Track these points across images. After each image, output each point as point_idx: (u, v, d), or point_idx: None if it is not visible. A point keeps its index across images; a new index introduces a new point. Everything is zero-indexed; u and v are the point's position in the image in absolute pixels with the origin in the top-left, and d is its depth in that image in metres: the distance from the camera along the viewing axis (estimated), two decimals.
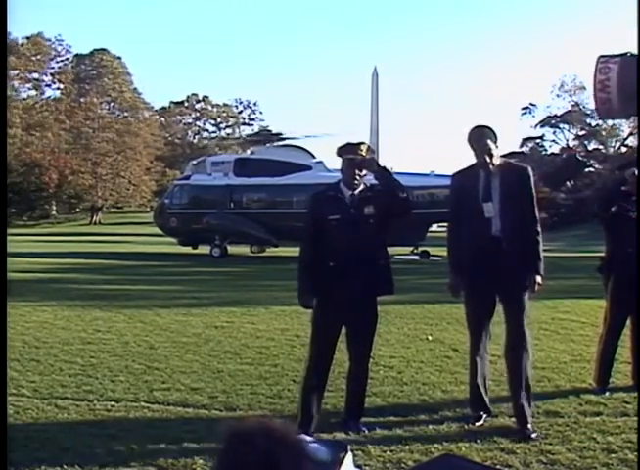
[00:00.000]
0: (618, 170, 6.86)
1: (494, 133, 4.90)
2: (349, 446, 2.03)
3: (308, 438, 1.63)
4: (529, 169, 4.99)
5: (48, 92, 64.99)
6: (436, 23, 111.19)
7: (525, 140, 62.61)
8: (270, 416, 4.83)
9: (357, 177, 4.71)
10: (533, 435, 4.51)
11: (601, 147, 61.02)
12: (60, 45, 63.46)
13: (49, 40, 62.65)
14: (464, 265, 4.90)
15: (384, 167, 4.78)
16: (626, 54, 5.52)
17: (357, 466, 1.85)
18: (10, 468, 3.72)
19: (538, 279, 4.78)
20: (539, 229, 4.86)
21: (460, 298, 5.04)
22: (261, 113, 76.93)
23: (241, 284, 14.88)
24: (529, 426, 4.60)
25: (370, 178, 4.80)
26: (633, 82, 5.17)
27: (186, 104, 76.78)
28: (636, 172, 5.56)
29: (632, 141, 53.93)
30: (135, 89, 69.55)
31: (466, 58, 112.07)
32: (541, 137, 63.66)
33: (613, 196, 5.84)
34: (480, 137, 4.83)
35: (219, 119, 77.80)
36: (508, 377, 4.93)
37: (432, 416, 5.02)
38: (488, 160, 4.78)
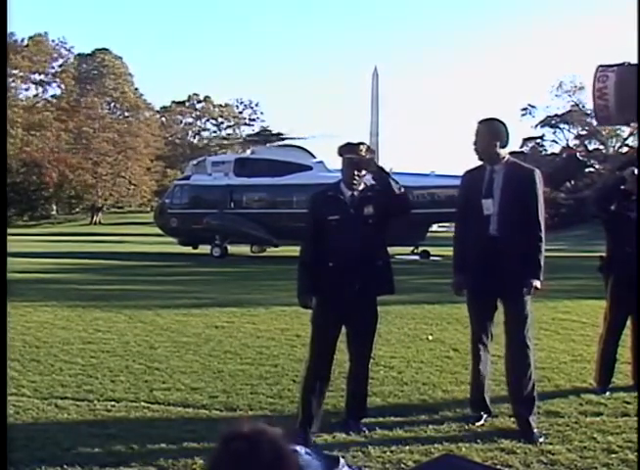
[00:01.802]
0: (619, 170, 6.87)
1: (505, 129, 4.81)
2: (342, 460, 2.00)
3: (302, 450, 1.62)
4: (536, 173, 4.76)
5: (49, 91, 65.12)
6: (437, 23, 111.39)
7: (526, 140, 62.64)
8: (270, 418, 4.83)
9: (356, 177, 4.71)
10: (540, 439, 4.45)
11: (601, 147, 61.04)
12: (62, 46, 63.51)
13: (52, 41, 62.70)
14: (467, 264, 4.86)
15: (381, 168, 4.78)
16: (624, 64, 5.59)
17: (357, 467, 1.84)
18: (10, 468, 3.72)
19: (536, 284, 4.66)
20: (542, 235, 4.69)
21: (462, 296, 5.02)
22: (262, 113, 77.00)
23: (241, 284, 14.89)
24: (535, 431, 4.54)
25: (370, 178, 4.81)
26: (630, 90, 5.22)
27: (187, 104, 76.77)
28: (635, 171, 5.55)
29: (633, 141, 53.90)
30: (136, 89, 69.64)
31: (466, 59, 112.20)
32: (541, 137, 63.74)
33: (611, 194, 5.82)
34: (483, 134, 4.77)
35: (220, 119, 77.80)
36: (508, 387, 4.88)
37: (432, 416, 5.00)
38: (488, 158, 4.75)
